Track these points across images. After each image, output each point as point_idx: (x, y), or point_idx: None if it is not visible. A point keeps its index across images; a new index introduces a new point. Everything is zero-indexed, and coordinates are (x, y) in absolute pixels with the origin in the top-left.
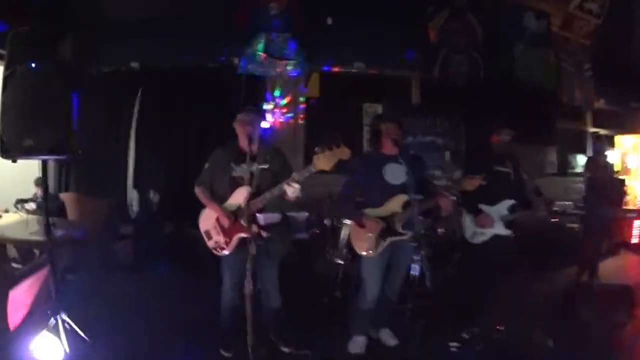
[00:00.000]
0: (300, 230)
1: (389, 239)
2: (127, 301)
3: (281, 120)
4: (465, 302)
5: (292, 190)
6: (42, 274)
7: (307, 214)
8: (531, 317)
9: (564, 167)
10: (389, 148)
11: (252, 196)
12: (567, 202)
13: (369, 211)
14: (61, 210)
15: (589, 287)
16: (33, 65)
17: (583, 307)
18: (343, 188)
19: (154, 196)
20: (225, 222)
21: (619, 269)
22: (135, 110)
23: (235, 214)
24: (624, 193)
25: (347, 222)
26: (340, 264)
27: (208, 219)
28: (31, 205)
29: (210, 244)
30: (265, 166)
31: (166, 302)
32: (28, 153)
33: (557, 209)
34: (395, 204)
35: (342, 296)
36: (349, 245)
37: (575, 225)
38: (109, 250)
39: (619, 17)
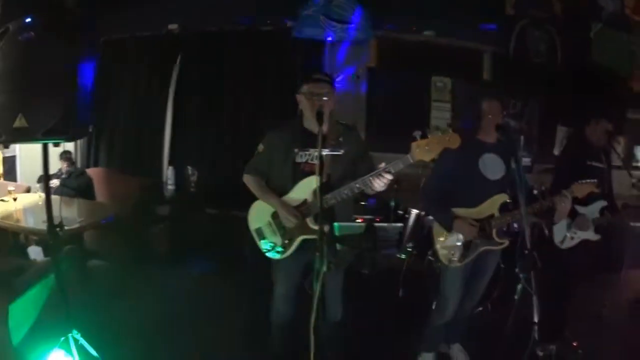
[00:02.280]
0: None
1: (481, 249)
2: (158, 299)
3: (341, 91)
4: (544, 314)
5: (381, 184)
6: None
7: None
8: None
9: (629, 161)
10: (488, 134)
11: (324, 188)
12: None
13: (461, 212)
14: (89, 188)
15: None
16: (28, 20)
17: None
18: (430, 179)
19: (192, 174)
20: (289, 220)
21: None
22: (173, 78)
23: (300, 211)
24: None
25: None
26: (404, 259)
27: (261, 215)
28: (55, 183)
29: (263, 245)
30: (340, 151)
31: (204, 302)
32: (19, 136)
33: None
34: (492, 205)
35: (405, 297)
36: (413, 236)
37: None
38: (141, 236)
39: None
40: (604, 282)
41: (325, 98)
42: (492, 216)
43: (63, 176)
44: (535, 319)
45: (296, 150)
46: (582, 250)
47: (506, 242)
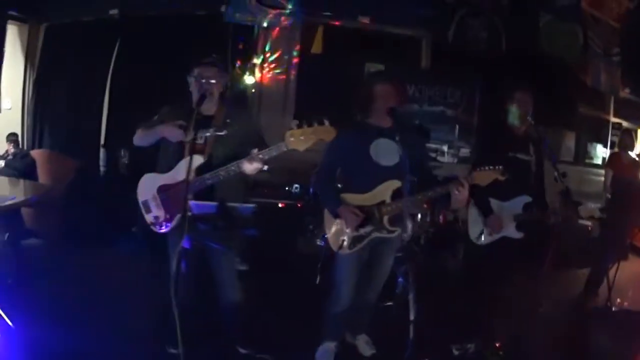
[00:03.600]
0: (247, 224)
1: (371, 236)
2: (84, 277)
3: (270, 76)
4: (462, 310)
5: (251, 168)
6: None
7: (253, 206)
8: (539, 333)
9: (582, 156)
10: (381, 118)
11: (203, 168)
12: (592, 206)
13: (349, 197)
14: (32, 170)
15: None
16: None
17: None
18: (322, 163)
19: (124, 156)
20: (169, 194)
21: (632, 279)
22: (112, 63)
23: (179, 188)
24: None
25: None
26: (322, 246)
27: (148, 187)
28: (0, 164)
29: (149, 218)
30: (223, 132)
31: (128, 282)
32: None
33: (582, 209)
34: (383, 192)
35: (322, 285)
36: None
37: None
38: (72, 216)
39: None
40: (544, 280)
41: (212, 81)
42: (383, 203)
43: (9, 157)
44: (411, 317)
45: (186, 128)
46: (503, 248)
47: (399, 231)
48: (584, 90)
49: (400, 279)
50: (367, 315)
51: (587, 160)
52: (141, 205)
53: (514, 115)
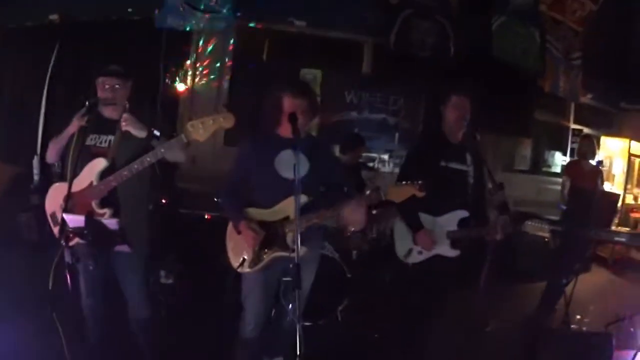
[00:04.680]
0: (110, 239)
1: (273, 254)
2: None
3: (202, 81)
4: (394, 337)
5: (154, 159)
6: None
7: (116, 220)
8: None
9: (538, 165)
10: (288, 129)
11: (106, 173)
12: (538, 222)
13: (253, 212)
14: None
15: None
16: None
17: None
18: (228, 174)
19: (57, 166)
20: (79, 208)
21: (593, 292)
22: (50, 69)
23: (84, 194)
24: (616, 210)
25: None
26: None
27: (54, 198)
28: None
29: (56, 230)
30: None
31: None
32: None
33: (528, 225)
34: (287, 207)
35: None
36: None
37: (545, 235)
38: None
39: (618, 6)
40: (494, 296)
41: (118, 87)
42: (287, 219)
43: None
44: (298, 351)
45: (89, 132)
46: (435, 267)
47: (304, 249)
48: (541, 96)
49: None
50: (284, 337)
51: (544, 169)
52: (49, 219)
53: (448, 121)
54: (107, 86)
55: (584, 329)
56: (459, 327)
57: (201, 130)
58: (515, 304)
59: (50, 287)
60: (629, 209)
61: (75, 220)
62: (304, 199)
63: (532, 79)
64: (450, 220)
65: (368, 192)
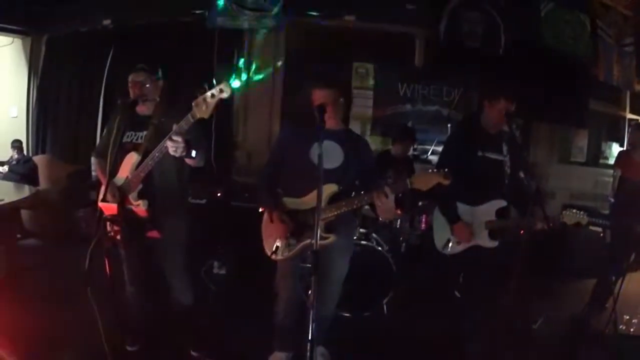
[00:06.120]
0: (141, 224)
1: (304, 243)
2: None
3: (255, 79)
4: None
5: (173, 146)
6: None
7: (145, 208)
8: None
9: (595, 156)
10: (321, 120)
11: (139, 166)
12: (577, 211)
13: (287, 202)
14: (33, 174)
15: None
16: None
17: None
18: (266, 163)
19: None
20: (111, 198)
21: None
22: (106, 72)
23: (121, 189)
24: None
25: None
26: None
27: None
28: (4, 168)
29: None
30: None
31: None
32: None
33: (566, 214)
34: (320, 196)
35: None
36: None
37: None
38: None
39: None
40: (542, 294)
41: (147, 85)
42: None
43: (12, 163)
44: (310, 336)
45: (124, 131)
46: (473, 258)
47: (332, 237)
48: (595, 85)
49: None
50: (322, 326)
51: (601, 161)
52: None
53: (486, 114)
54: (135, 84)
55: (632, 330)
56: (502, 322)
57: (204, 107)
58: (568, 301)
59: (86, 267)
60: None
61: (110, 208)
62: (335, 188)
63: (585, 68)
64: (489, 210)
65: (392, 181)
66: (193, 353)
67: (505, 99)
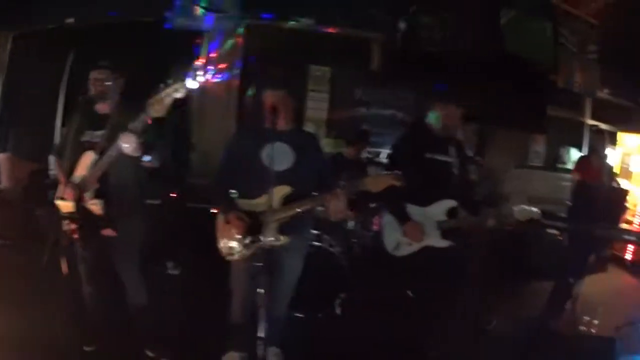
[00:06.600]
0: (96, 223)
1: (258, 243)
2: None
3: (214, 80)
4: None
5: (126, 143)
6: None
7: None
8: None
9: (554, 161)
10: (274, 122)
11: (97, 162)
12: (529, 208)
13: (241, 203)
14: None
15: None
16: None
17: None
18: (219, 167)
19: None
20: (68, 196)
21: (608, 293)
22: (66, 71)
23: (78, 187)
24: (625, 207)
25: None
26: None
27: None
28: None
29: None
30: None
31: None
32: None
33: (516, 210)
34: (272, 198)
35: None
36: None
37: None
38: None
39: None
40: (501, 295)
41: (108, 83)
42: (271, 210)
43: None
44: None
45: (84, 129)
46: (426, 259)
47: (286, 239)
48: (555, 92)
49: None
50: (275, 327)
51: (561, 166)
52: None
53: (435, 116)
54: (96, 81)
55: (593, 331)
56: (456, 323)
57: (158, 106)
58: (526, 302)
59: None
60: None
61: (66, 206)
62: (287, 190)
63: (545, 75)
64: (439, 210)
65: (344, 183)
66: (149, 353)
67: (453, 104)
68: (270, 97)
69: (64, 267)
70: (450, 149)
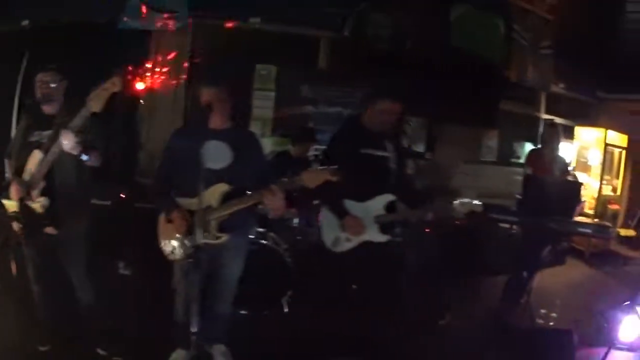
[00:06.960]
0: (38, 220)
1: (198, 242)
2: None
3: (162, 79)
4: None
5: (66, 140)
6: None
7: (42, 204)
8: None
9: (508, 156)
10: (214, 120)
11: (45, 162)
12: (469, 201)
13: (181, 202)
14: None
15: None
16: None
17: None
18: (159, 166)
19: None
20: (13, 195)
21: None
22: (22, 72)
23: (26, 186)
24: (579, 200)
25: None
26: None
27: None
28: None
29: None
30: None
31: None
32: None
33: (456, 204)
34: (210, 196)
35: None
36: None
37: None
38: None
39: None
40: (453, 289)
41: (52, 85)
42: (210, 207)
43: None
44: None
45: (32, 130)
46: (367, 254)
47: (224, 237)
48: (507, 86)
49: None
50: (220, 325)
51: (514, 160)
52: None
53: (369, 116)
54: (42, 84)
55: (551, 324)
56: (405, 318)
57: (96, 99)
58: (481, 297)
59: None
60: (606, 200)
61: (11, 205)
62: (225, 188)
63: (497, 70)
64: (377, 204)
65: (283, 179)
66: (100, 352)
67: (388, 100)
68: (205, 94)
69: (13, 267)
70: (387, 144)
